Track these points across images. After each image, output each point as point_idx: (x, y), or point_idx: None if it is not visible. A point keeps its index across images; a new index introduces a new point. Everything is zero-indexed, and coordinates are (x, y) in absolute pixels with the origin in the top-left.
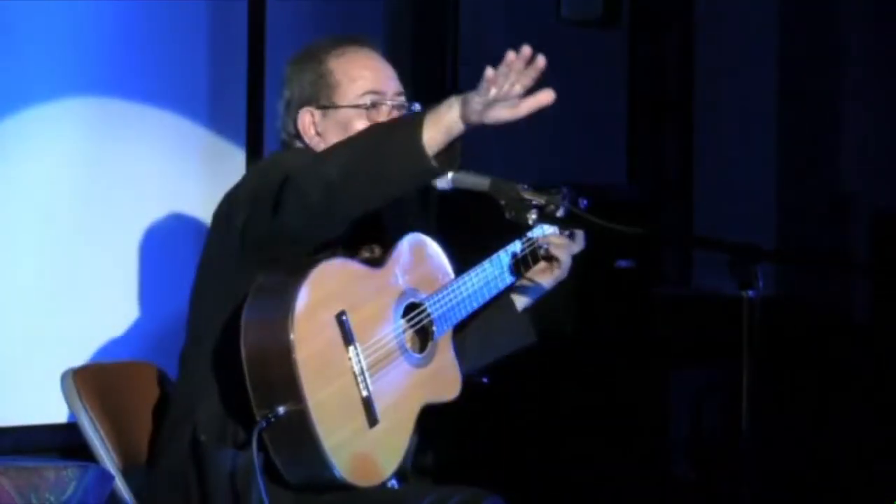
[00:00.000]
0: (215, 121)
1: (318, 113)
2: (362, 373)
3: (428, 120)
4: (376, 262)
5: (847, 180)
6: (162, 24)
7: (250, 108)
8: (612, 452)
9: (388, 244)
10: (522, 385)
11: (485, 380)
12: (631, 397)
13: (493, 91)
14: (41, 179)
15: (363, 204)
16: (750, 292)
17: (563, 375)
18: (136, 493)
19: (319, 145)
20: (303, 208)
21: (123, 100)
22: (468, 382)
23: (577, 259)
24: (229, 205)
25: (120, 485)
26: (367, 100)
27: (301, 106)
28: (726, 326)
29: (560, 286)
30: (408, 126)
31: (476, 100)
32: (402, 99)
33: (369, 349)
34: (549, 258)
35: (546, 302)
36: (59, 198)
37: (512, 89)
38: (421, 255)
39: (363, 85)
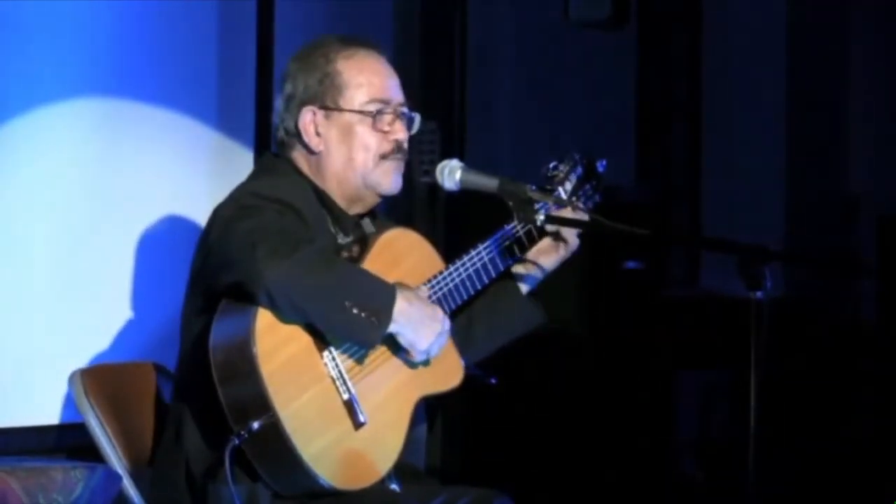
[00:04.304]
0: (224, 121)
1: (320, 113)
2: (341, 376)
3: (396, 318)
4: (354, 262)
5: (854, 182)
6: (171, 24)
7: (259, 108)
8: (620, 452)
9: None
10: (530, 385)
11: (493, 380)
12: (639, 397)
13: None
14: (49, 179)
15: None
16: (757, 293)
17: (572, 375)
18: (144, 493)
19: (319, 147)
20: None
21: (132, 100)
22: (476, 383)
23: (582, 249)
24: (213, 225)
25: (127, 485)
26: (373, 108)
27: (304, 104)
28: (734, 327)
29: (566, 281)
30: (380, 315)
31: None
32: (405, 109)
33: (349, 350)
34: (557, 236)
35: (551, 290)
36: (66, 198)
37: None
38: (406, 248)
39: (370, 92)
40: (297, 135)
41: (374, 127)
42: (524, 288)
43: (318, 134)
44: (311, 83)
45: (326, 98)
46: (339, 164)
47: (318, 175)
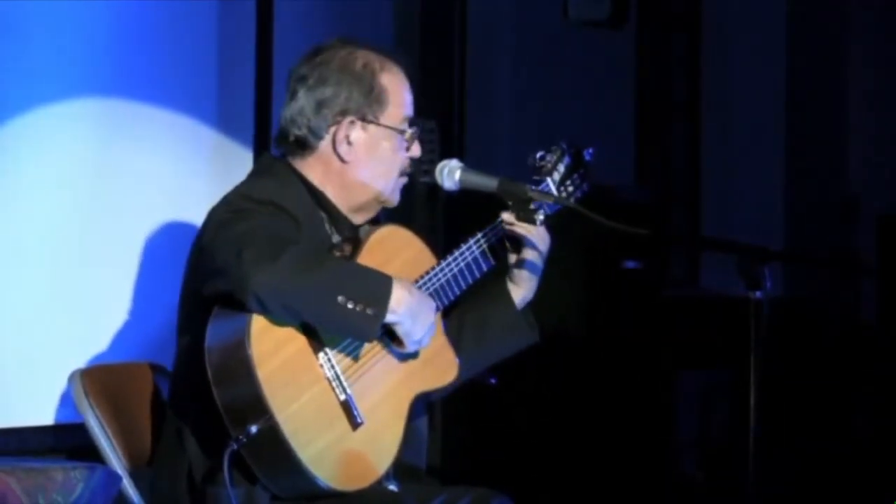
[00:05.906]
0: (223, 121)
1: (359, 124)
2: (337, 377)
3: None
4: (347, 260)
5: (854, 182)
6: (170, 24)
7: (258, 108)
8: (620, 452)
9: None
10: (530, 385)
11: (493, 380)
12: (638, 397)
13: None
14: (48, 180)
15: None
16: (757, 293)
17: (571, 376)
18: (144, 493)
19: (348, 156)
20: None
21: (131, 100)
22: (476, 383)
23: (582, 249)
24: (206, 228)
25: (127, 486)
26: (405, 126)
27: (345, 113)
28: (734, 327)
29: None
30: (375, 309)
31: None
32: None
33: (344, 351)
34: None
35: (551, 290)
36: (66, 198)
37: None
38: (398, 244)
39: (405, 110)
40: (322, 139)
41: (403, 145)
42: (519, 292)
43: (349, 142)
44: (357, 95)
45: (369, 111)
46: (365, 176)
47: (331, 180)
